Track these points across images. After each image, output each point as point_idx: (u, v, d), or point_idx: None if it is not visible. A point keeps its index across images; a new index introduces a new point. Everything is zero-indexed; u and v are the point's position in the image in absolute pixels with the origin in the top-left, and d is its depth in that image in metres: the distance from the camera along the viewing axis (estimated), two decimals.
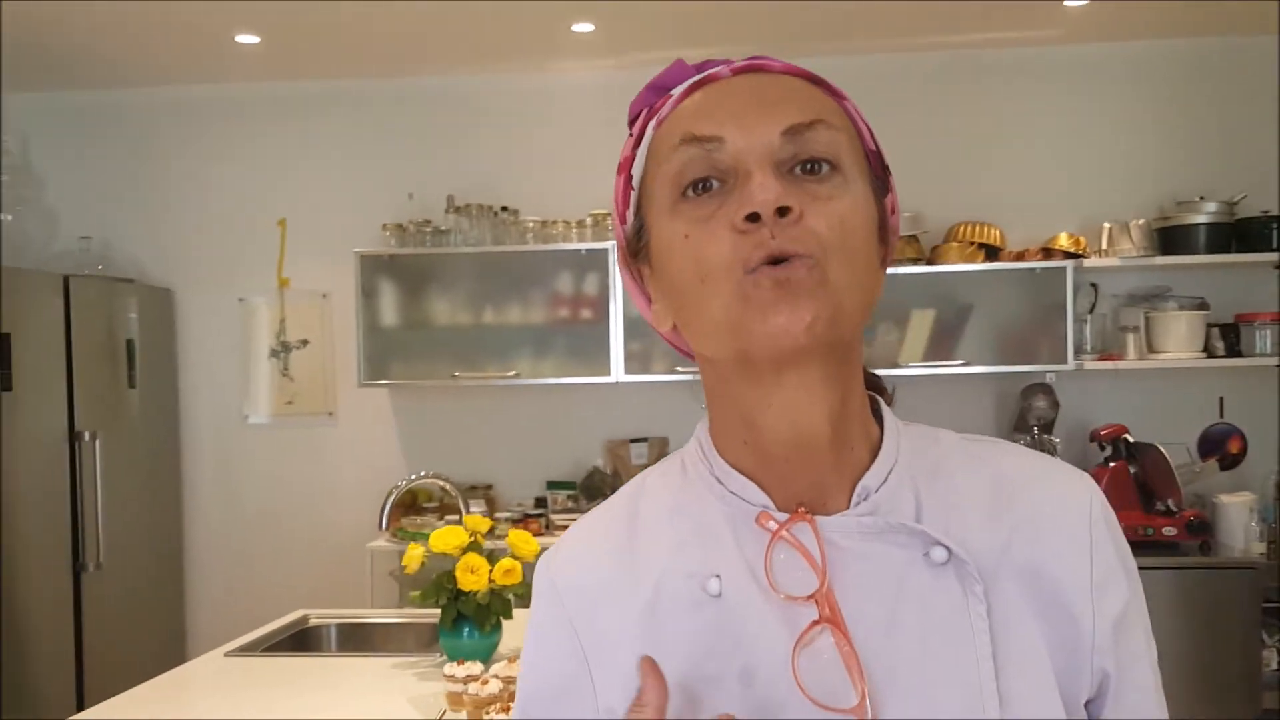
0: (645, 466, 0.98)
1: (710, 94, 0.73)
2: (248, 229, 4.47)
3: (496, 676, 1.96)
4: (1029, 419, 3.96)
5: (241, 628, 2.87)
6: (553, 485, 4.24)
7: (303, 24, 3.76)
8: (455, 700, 1.97)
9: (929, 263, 4.01)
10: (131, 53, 4.06)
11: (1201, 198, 3.93)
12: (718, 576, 0.73)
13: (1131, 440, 3.85)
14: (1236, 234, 3.88)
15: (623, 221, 0.79)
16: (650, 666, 0.67)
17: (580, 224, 4.05)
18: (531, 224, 4.12)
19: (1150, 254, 3.94)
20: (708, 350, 0.73)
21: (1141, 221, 3.98)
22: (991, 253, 4.00)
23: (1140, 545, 3.63)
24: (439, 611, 2.33)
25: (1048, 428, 3.94)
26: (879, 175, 0.76)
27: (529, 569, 1.73)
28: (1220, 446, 3.75)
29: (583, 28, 3.83)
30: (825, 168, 0.70)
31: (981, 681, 0.69)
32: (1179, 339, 3.87)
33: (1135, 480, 3.80)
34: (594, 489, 4.17)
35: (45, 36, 3.85)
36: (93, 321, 3.96)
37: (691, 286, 0.70)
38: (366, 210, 4.33)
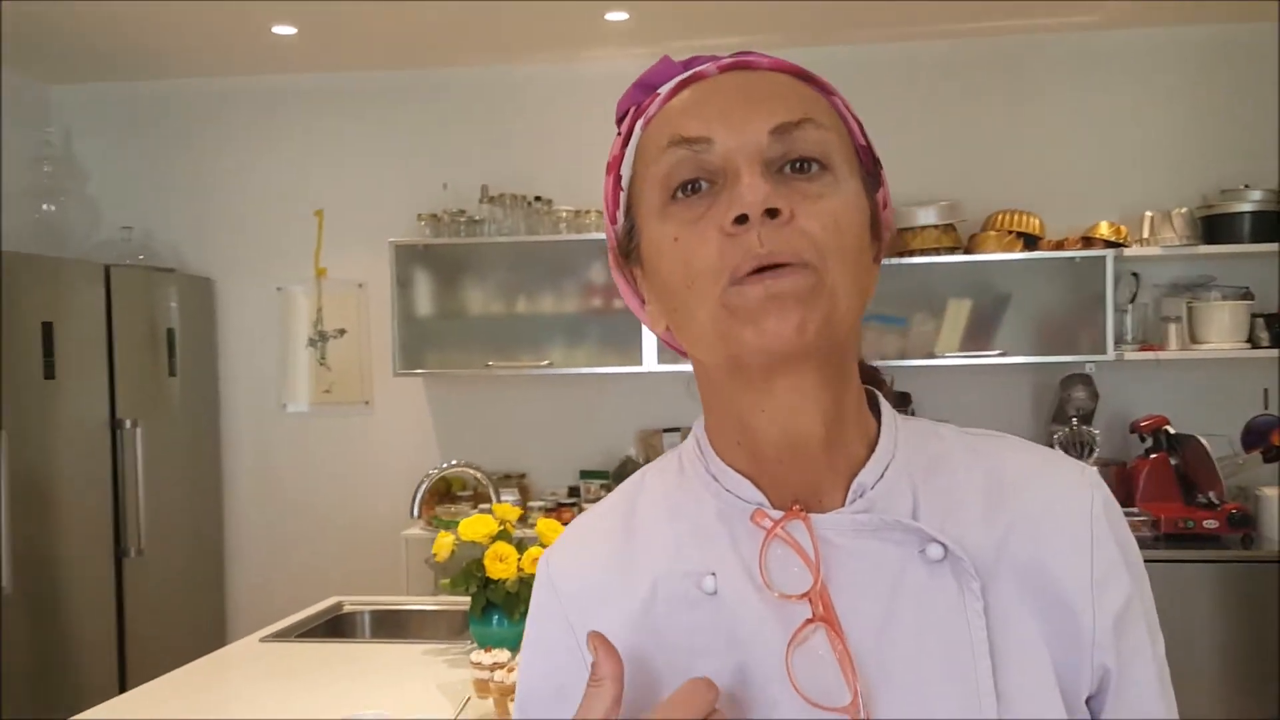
0: None
1: (697, 93, 0.72)
2: (286, 219, 4.52)
3: None
4: (1068, 410, 3.91)
5: (280, 613, 2.90)
6: (586, 474, 4.24)
7: (338, 15, 3.79)
8: (482, 687, 1.98)
9: (966, 251, 3.96)
10: (171, 45, 4.11)
11: (1246, 185, 3.85)
12: (713, 574, 0.73)
13: (1172, 432, 3.79)
14: None
15: (613, 222, 0.78)
16: (600, 640, 0.67)
17: None
18: (565, 213, 4.12)
19: (1193, 243, 3.87)
20: (699, 354, 0.73)
21: (1184, 210, 3.91)
22: (1030, 242, 3.95)
23: (1180, 538, 3.58)
24: (470, 599, 2.34)
25: (1087, 419, 3.89)
26: (870, 171, 0.75)
27: None
28: (1264, 439, 3.68)
29: (616, 16, 3.82)
30: (815, 167, 0.69)
31: (979, 679, 0.68)
32: (1222, 329, 3.80)
33: (1176, 472, 3.74)
34: (626, 478, 4.17)
35: (87, 30, 3.91)
36: (134, 311, 4.02)
37: (680, 291, 0.70)
38: (402, 200, 4.35)
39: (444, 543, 2.43)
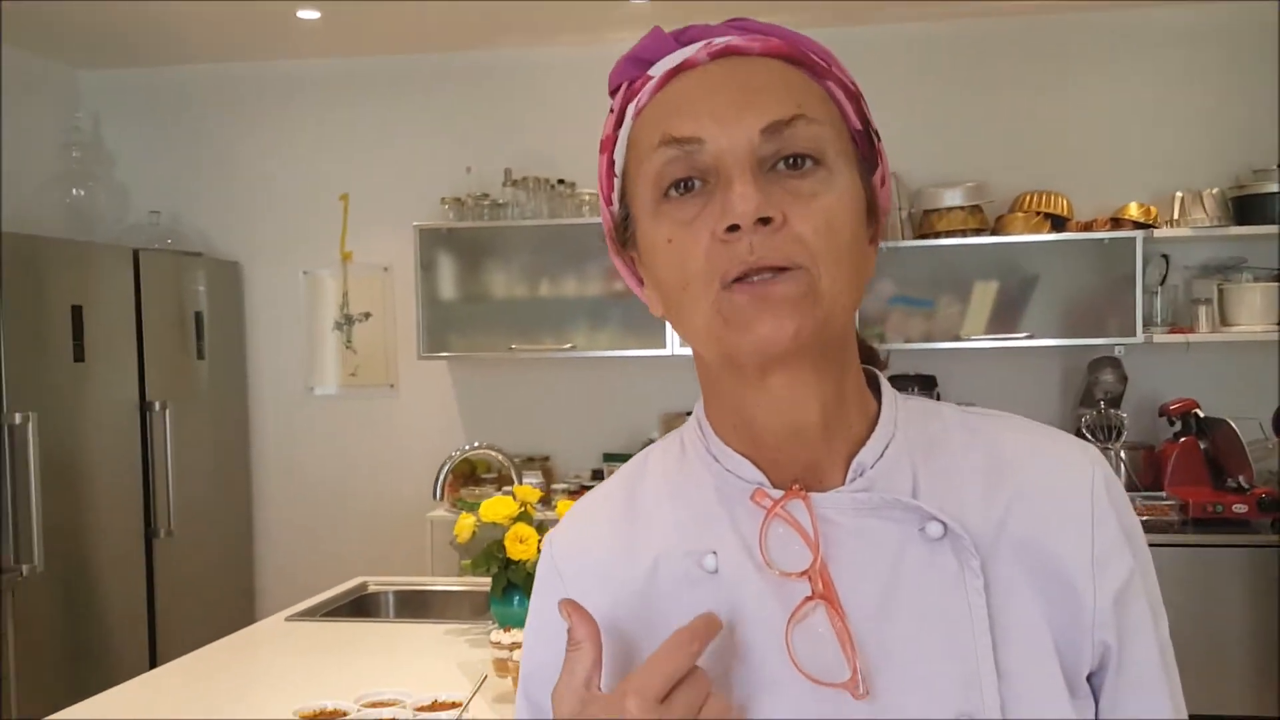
0: None
1: (688, 86, 0.71)
2: (311, 203, 4.54)
3: None
4: (1096, 393, 3.87)
5: (308, 593, 2.93)
6: (609, 457, 4.25)
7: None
8: (501, 666, 1.99)
9: (993, 233, 3.93)
10: (197, 30, 4.13)
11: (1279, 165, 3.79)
12: (714, 553, 0.74)
13: (1202, 415, 3.75)
14: None
15: (608, 204, 0.78)
16: (572, 606, 0.69)
17: None
18: (588, 196, 4.12)
19: (1225, 224, 3.82)
20: (696, 349, 0.74)
21: (1215, 190, 3.86)
22: (1058, 223, 3.91)
23: (1209, 523, 3.54)
24: (491, 580, 2.36)
25: (1115, 402, 3.85)
26: (865, 154, 0.74)
27: None
28: None
29: None
30: (808, 162, 0.68)
31: (979, 656, 0.68)
32: (1253, 311, 3.75)
33: (1205, 456, 3.71)
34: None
35: (115, 16, 3.94)
36: (162, 294, 4.06)
37: (676, 292, 0.70)
38: (426, 184, 4.37)
39: (465, 524, 2.44)
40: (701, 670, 0.65)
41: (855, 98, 0.74)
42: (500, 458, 2.96)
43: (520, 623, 2.26)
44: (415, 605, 2.95)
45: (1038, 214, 3.89)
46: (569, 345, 4.08)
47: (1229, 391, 3.92)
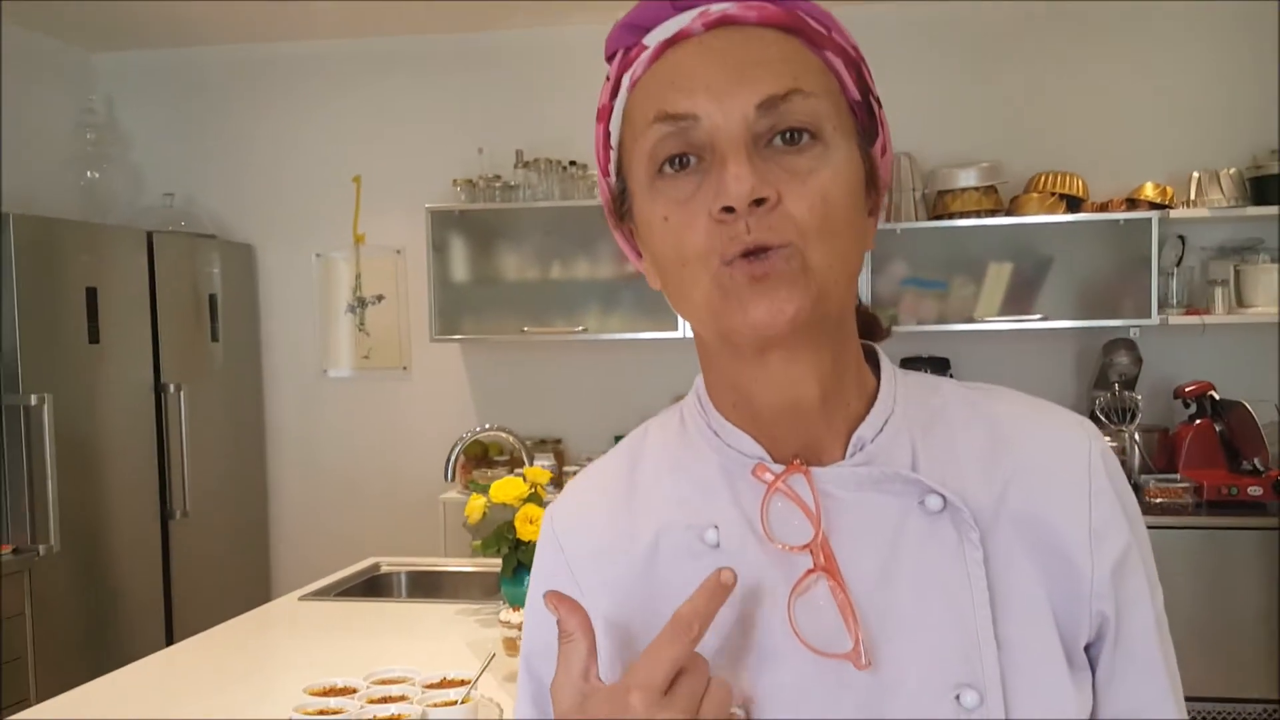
0: None
1: (683, 58, 0.70)
2: (324, 185, 4.55)
3: None
4: (1110, 375, 3.85)
5: (323, 574, 2.95)
6: (621, 439, 4.25)
7: None
8: (510, 645, 2.01)
9: (1008, 214, 3.90)
10: (211, 12, 4.13)
11: None
12: (715, 527, 0.74)
13: (1218, 397, 3.73)
14: None
15: (604, 175, 0.78)
16: (558, 597, 0.69)
17: None
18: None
19: (1242, 204, 3.78)
20: (693, 326, 0.74)
21: (1233, 170, 3.82)
22: (1073, 204, 3.88)
23: (1224, 505, 3.53)
24: (501, 560, 2.37)
25: (1130, 384, 3.83)
26: (865, 124, 0.73)
27: None
28: None
29: None
30: (804, 137, 0.68)
31: (978, 627, 0.69)
32: (1270, 293, 3.72)
33: (1221, 438, 3.69)
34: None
35: None
36: (176, 276, 4.08)
37: (673, 270, 0.70)
38: (438, 166, 4.37)
39: (476, 505, 2.45)
40: (701, 657, 0.65)
41: (855, 64, 0.73)
42: (512, 440, 2.97)
43: None
44: (427, 586, 2.97)
45: (1053, 195, 3.86)
46: (581, 328, 4.08)
47: (1245, 373, 3.89)
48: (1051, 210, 3.84)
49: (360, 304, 4.56)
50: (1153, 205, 3.79)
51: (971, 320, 3.86)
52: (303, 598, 2.68)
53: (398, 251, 4.51)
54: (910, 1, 4.09)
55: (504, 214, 4.13)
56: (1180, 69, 4.00)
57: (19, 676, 3.30)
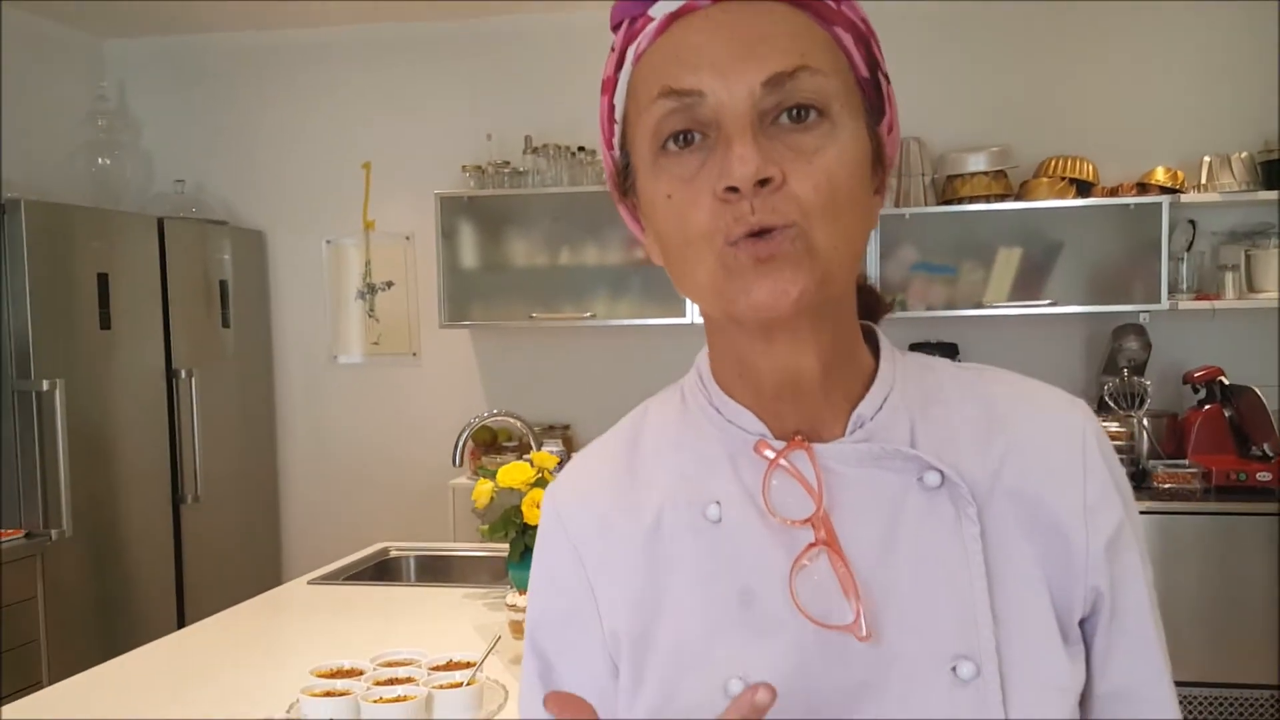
0: None
1: (689, 33, 0.69)
2: (334, 172, 4.56)
3: None
4: (1119, 361, 3.84)
5: (333, 559, 2.97)
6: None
7: None
8: (516, 628, 2.02)
9: (1017, 198, 3.89)
10: None
11: None
12: (717, 503, 0.75)
13: (1227, 383, 3.71)
14: None
15: (609, 148, 0.77)
16: (560, 700, 0.63)
17: None
18: None
19: (1253, 189, 3.76)
20: (697, 303, 0.74)
21: (1244, 154, 3.79)
22: (1084, 188, 3.86)
23: (1233, 491, 3.52)
24: (508, 545, 2.38)
25: (1139, 370, 3.82)
26: (873, 101, 0.72)
27: None
28: None
29: None
30: (811, 115, 0.67)
31: (975, 601, 0.70)
32: None
33: (1230, 424, 3.68)
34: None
35: None
36: (187, 263, 4.10)
37: (676, 248, 0.70)
38: (447, 152, 4.37)
39: (483, 490, 2.46)
40: None
41: (865, 39, 0.72)
42: (520, 425, 2.98)
43: None
44: (436, 570, 2.99)
45: (1063, 179, 3.84)
46: (589, 314, 4.08)
47: (1255, 359, 3.88)
48: (1061, 195, 3.82)
49: (370, 290, 4.58)
50: (1163, 189, 3.77)
51: (981, 305, 3.85)
52: (312, 582, 2.70)
53: (407, 238, 4.52)
54: None
55: (513, 200, 4.13)
56: (1191, 53, 3.98)
57: (31, 660, 3.33)
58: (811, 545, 0.71)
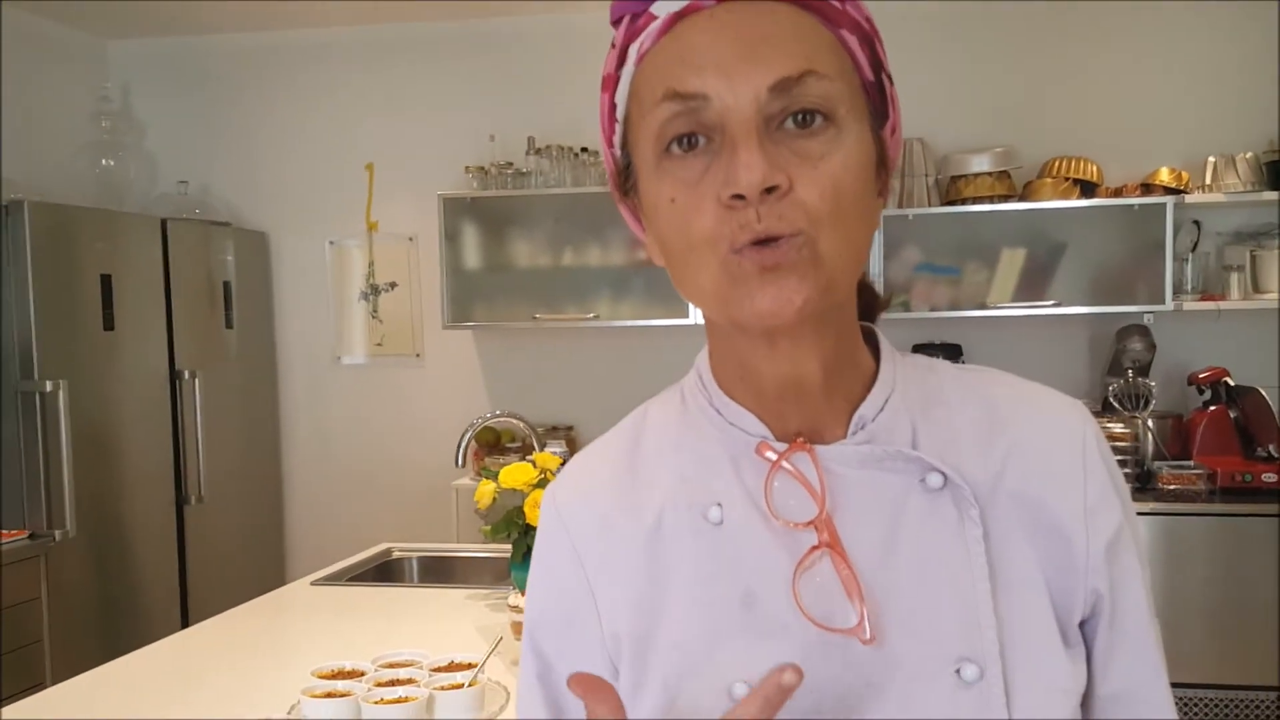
0: None
1: (693, 34, 0.68)
2: (337, 173, 4.56)
3: None
4: (1124, 361, 3.83)
5: (337, 560, 2.97)
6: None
7: None
8: (518, 629, 2.02)
9: (1021, 199, 3.88)
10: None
11: None
12: (719, 505, 0.74)
13: (1232, 384, 3.70)
14: None
15: (609, 146, 0.77)
16: (583, 681, 0.64)
17: None
18: None
19: (1258, 189, 3.75)
20: (699, 308, 0.73)
21: (1249, 155, 3.79)
22: (1088, 189, 3.85)
23: (1238, 492, 3.51)
24: (511, 546, 2.37)
25: (1143, 370, 3.81)
26: (877, 104, 0.72)
27: None
28: None
29: None
30: (817, 119, 0.66)
31: (978, 602, 0.70)
32: None
33: (1235, 425, 3.67)
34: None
35: None
36: (191, 264, 4.10)
37: (680, 253, 0.69)
38: (450, 153, 4.37)
39: (485, 490, 2.46)
40: None
41: (869, 40, 0.71)
42: (523, 426, 2.97)
43: None
44: (438, 571, 2.98)
45: (1067, 180, 3.83)
46: (592, 315, 4.08)
47: (1260, 360, 3.87)
48: (1065, 195, 3.82)
49: (373, 291, 4.58)
50: (1168, 190, 3.76)
51: (984, 306, 3.84)
52: (315, 582, 2.70)
53: (410, 239, 4.52)
54: None
55: (516, 201, 4.13)
56: (1196, 53, 3.97)
57: (34, 660, 3.33)
58: (815, 548, 0.71)
